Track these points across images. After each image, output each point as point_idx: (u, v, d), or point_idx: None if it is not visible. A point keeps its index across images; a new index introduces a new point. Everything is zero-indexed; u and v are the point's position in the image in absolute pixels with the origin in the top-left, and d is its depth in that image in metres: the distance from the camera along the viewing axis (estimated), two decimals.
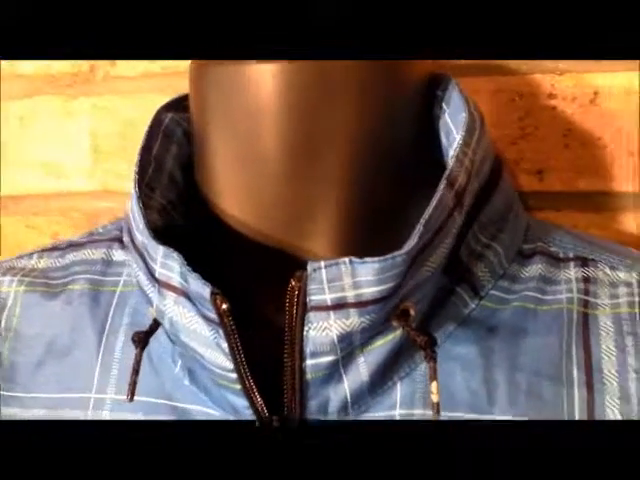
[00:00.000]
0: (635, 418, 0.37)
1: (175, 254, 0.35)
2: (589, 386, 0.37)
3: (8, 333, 0.43)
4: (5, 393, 0.42)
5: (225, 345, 0.35)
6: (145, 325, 0.39)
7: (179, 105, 0.45)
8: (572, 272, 0.41)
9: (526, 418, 0.37)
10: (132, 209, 0.39)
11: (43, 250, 0.47)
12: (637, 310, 0.39)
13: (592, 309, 0.39)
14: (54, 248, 0.47)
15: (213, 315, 0.34)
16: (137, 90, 0.58)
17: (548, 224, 0.44)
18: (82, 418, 0.40)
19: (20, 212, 0.60)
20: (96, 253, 0.45)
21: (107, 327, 0.42)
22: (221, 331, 0.35)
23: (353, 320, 0.34)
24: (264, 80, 0.38)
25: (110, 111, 0.58)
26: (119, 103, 0.58)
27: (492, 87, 0.51)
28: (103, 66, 0.58)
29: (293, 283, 0.34)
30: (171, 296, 0.36)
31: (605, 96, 0.50)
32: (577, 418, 0.37)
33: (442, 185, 0.36)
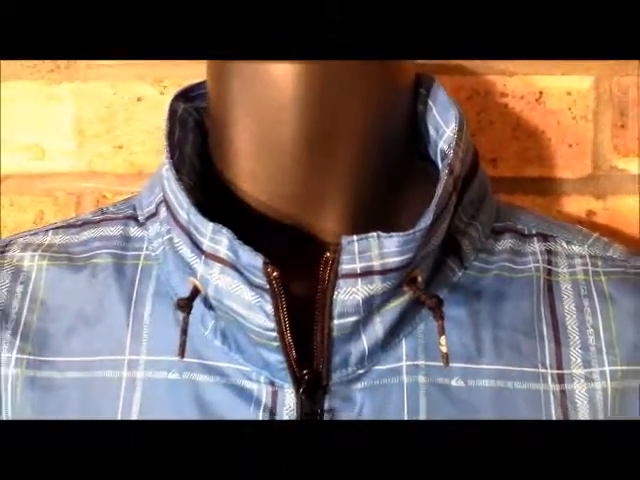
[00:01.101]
0: (594, 366, 0.45)
1: (224, 229, 0.40)
2: (556, 340, 0.45)
3: (35, 304, 0.47)
4: (37, 358, 0.46)
5: (269, 307, 0.40)
6: (174, 294, 0.44)
7: (187, 95, 0.50)
8: (536, 246, 0.48)
9: (509, 367, 0.44)
10: (171, 190, 0.43)
11: (57, 227, 0.50)
12: (590, 277, 0.47)
13: (555, 277, 0.47)
14: (69, 225, 0.50)
15: (261, 282, 0.40)
16: (118, 76, 0.62)
17: (512, 206, 0.52)
18: (117, 378, 0.45)
19: (5, 192, 0.62)
20: (113, 230, 0.49)
21: (134, 297, 0.46)
22: (266, 295, 0.40)
23: (376, 285, 0.41)
24: (287, 79, 0.43)
25: (93, 96, 0.62)
26: (101, 88, 0.62)
27: (454, 85, 0.58)
28: None
29: (328, 254, 0.40)
30: (217, 266, 0.41)
31: (549, 96, 0.59)
32: (548, 365, 0.44)
33: (445, 171, 0.42)
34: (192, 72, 0.59)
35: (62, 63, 0.61)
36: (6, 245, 0.49)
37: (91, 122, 0.62)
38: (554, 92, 0.58)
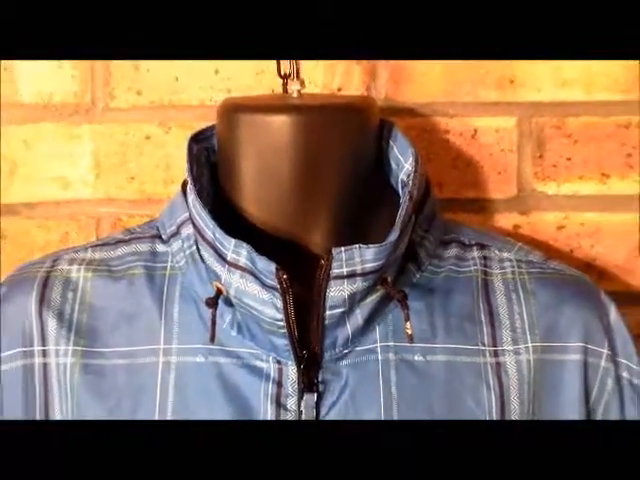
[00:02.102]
0: (520, 343, 0.59)
1: (244, 244, 0.53)
2: (492, 324, 0.59)
3: (84, 306, 0.59)
4: (89, 349, 0.58)
5: (279, 303, 0.53)
6: (203, 296, 0.57)
7: (198, 138, 0.63)
8: (475, 253, 0.62)
9: (457, 346, 0.58)
10: (197, 214, 0.56)
11: (95, 245, 0.63)
12: (516, 276, 0.61)
13: (489, 276, 0.61)
14: (104, 244, 0.63)
15: (274, 283, 0.53)
16: (129, 119, 0.74)
17: (455, 222, 0.66)
18: (155, 363, 0.57)
19: (33, 216, 0.74)
20: (143, 247, 0.62)
21: (164, 299, 0.59)
22: (277, 294, 0.53)
23: (358, 285, 0.54)
24: (283, 127, 0.57)
25: (108, 135, 0.74)
26: (115, 129, 0.74)
27: (406, 125, 0.72)
28: (103, 99, 0.74)
29: (323, 262, 0.54)
30: (238, 272, 0.54)
31: (482, 133, 0.73)
32: (486, 344, 0.58)
33: (406, 197, 0.56)
34: (192, 115, 0.73)
35: (82, 108, 0.74)
36: (54, 261, 0.62)
37: (107, 157, 0.74)
38: (486, 130, 0.73)
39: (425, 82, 0.73)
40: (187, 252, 0.59)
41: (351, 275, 0.54)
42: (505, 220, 0.74)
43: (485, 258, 0.62)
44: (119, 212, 0.74)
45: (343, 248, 0.54)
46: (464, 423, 0.57)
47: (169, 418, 0.56)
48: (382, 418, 0.55)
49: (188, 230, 0.59)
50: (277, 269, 0.53)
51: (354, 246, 0.54)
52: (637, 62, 0.72)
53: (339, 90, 0.73)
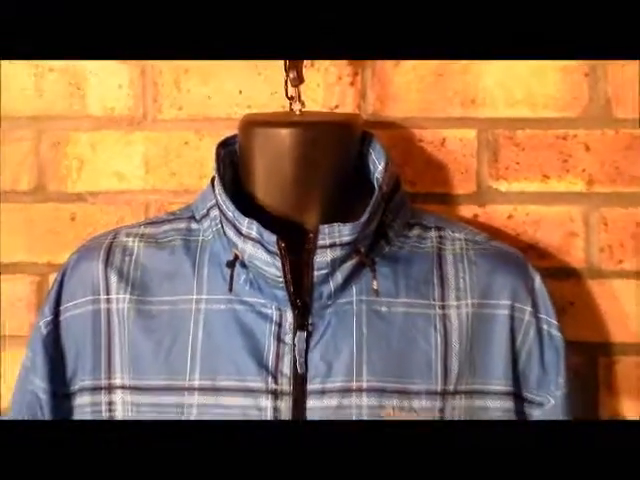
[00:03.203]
0: (462, 300, 0.77)
1: (255, 222, 0.73)
2: (442, 286, 0.78)
3: (137, 267, 0.79)
4: (141, 298, 0.78)
5: (279, 264, 0.73)
6: (225, 260, 0.77)
7: (225, 144, 0.83)
8: (433, 234, 0.81)
9: (414, 300, 0.77)
10: (223, 201, 0.76)
11: (145, 223, 0.83)
12: (464, 251, 0.80)
13: (443, 251, 0.80)
14: (152, 223, 0.83)
15: (275, 250, 0.72)
16: (172, 128, 0.95)
17: (422, 210, 0.85)
18: (189, 309, 0.77)
19: (97, 202, 0.95)
20: (181, 225, 0.82)
21: (197, 263, 0.79)
22: (277, 257, 0.73)
23: (337, 252, 0.73)
24: (285, 138, 0.77)
25: (155, 141, 0.95)
26: (161, 136, 0.95)
27: (387, 136, 0.91)
28: (152, 112, 0.94)
29: (311, 235, 0.73)
30: (250, 242, 0.73)
31: (449, 142, 0.92)
32: (436, 299, 0.77)
33: (378, 191, 0.76)
34: (220, 126, 0.93)
35: (135, 119, 0.94)
36: (115, 234, 0.82)
37: (154, 157, 0.95)
38: (452, 139, 0.92)
39: (404, 101, 0.93)
40: (214, 229, 0.79)
41: (332, 245, 0.73)
42: (466, 211, 0.93)
43: (441, 237, 0.82)
44: (163, 199, 0.94)
45: (327, 225, 0.73)
46: (452, 423, 0.75)
47: (199, 349, 0.76)
48: (354, 350, 0.75)
49: (215, 212, 0.79)
50: (278, 240, 0.72)
51: (335, 224, 0.73)
52: (573, 83, 0.91)
53: (336, 107, 0.93)
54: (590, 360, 0.92)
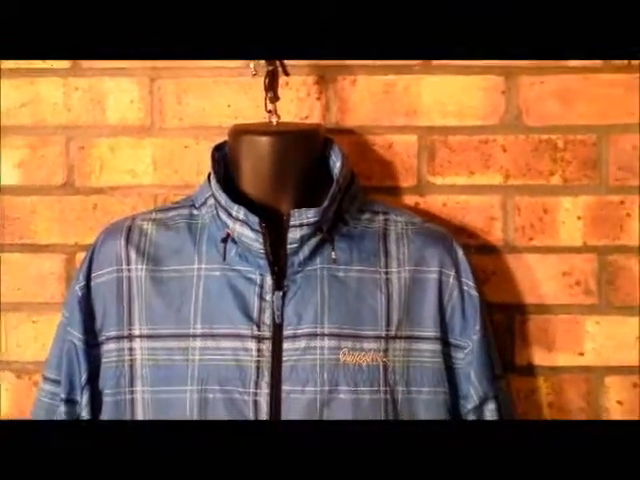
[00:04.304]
0: (401, 266, 1.01)
1: (242, 207, 0.96)
2: (386, 257, 1.01)
3: (151, 243, 1.02)
4: (154, 267, 1.01)
5: (261, 240, 0.96)
6: (219, 237, 0.99)
7: (218, 148, 1.05)
8: (381, 217, 1.05)
9: (364, 267, 1.00)
10: (218, 193, 0.98)
11: (156, 210, 1.06)
12: (403, 231, 1.03)
13: (387, 231, 1.03)
14: (161, 210, 1.06)
15: (258, 229, 0.95)
16: (175, 135, 1.18)
17: (373, 199, 1.08)
18: (191, 275, 1.00)
19: (114, 195, 1.18)
20: (184, 211, 1.05)
21: (197, 240, 1.01)
22: (260, 235, 0.96)
23: (305, 231, 0.96)
24: (266, 142, 1.00)
25: (161, 146, 1.18)
26: (166, 142, 1.18)
27: (347, 140, 1.15)
28: (158, 122, 1.17)
29: (285, 218, 0.96)
30: (239, 223, 0.96)
31: (396, 145, 1.16)
32: (382, 267, 1.01)
33: (335, 184, 0.99)
34: (214, 134, 1.15)
35: (145, 127, 1.17)
36: (132, 219, 1.05)
37: (161, 158, 1.18)
38: (399, 143, 1.16)
39: (359, 113, 1.16)
40: (210, 214, 1.02)
41: (301, 225, 0.97)
42: (409, 200, 1.17)
43: (386, 220, 1.05)
44: (168, 192, 1.17)
45: (297, 210, 0.96)
46: (438, 423, 0.94)
47: (200, 305, 0.98)
48: (318, 305, 0.98)
49: (211, 201, 1.02)
50: (260, 221, 0.95)
51: (303, 209, 0.96)
52: (493, 98, 1.15)
53: (306, 117, 1.16)
54: (508, 318, 1.15)
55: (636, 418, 1.13)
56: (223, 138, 1.05)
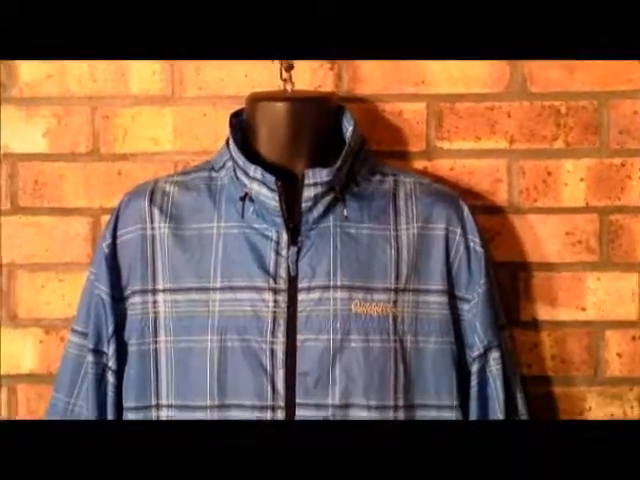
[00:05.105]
0: (410, 224, 1.06)
1: (259, 167, 1.02)
2: (395, 215, 1.07)
3: (173, 204, 1.08)
4: (176, 225, 1.06)
5: (277, 198, 1.01)
6: (237, 197, 1.05)
7: (236, 114, 1.11)
8: (390, 178, 1.10)
9: (375, 225, 1.06)
10: (236, 155, 1.04)
11: (178, 174, 1.12)
12: (412, 190, 1.09)
13: (397, 191, 1.09)
14: (183, 173, 1.12)
15: (274, 187, 1.01)
16: (194, 103, 1.24)
17: (383, 162, 1.14)
18: (211, 233, 1.06)
19: (137, 161, 1.24)
20: (204, 174, 1.10)
21: (216, 200, 1.07)
22: (276, 193, 1.01)
23: (319, 189, 1.02)
24: (281, 108, 1.05)
25: (182, 114, 1.24)
26: (186, 110, 1.24)
27: (359, 108, 1.20)
28: (179, 91, 1.23)
29: (300, 177, 1.02)
30: (256, 182, 1.02)
31: (406, 113, 1.21)
32: (391, 224, 1.07)
33: (348, 146, 1.05)
34: (232, 102, 1.21)
35: (166, 97, 1.23)
36: (155, 182, 1.11)
37: (181, 126, 1.24)
38: (408, 110, 1.21)
39: (371, 82, 1.22)
40: (228, 176, 1.08)
41: (315, 184, 1.02)
42: (418, 164, 1.22)
43: (396, 181, 1.10)
44: (187, 158, 1.23)
45: (311, 169, 1.02)
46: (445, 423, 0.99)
47: (220, 260, 1.04)
48: (331, 259, 1.03)
49: (229, 164, 1.08)
50: (275, 180, 1.01)
51: (317, 169, 1.02)
52: (498, 67, 1.20)
53: (319, 87, 1.22)
54: (513, 276, 1.21)
55: (635, 370, 1.19)
56: (240, 106, 1.11)
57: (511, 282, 1.21)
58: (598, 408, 1.20)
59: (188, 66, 1.23)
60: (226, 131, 1.08)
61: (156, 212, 1.08)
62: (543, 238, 1.21)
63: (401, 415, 1.01)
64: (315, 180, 1.02)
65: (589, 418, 1.19)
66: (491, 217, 1.21)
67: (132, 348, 1.06)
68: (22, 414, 1.23)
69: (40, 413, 1.19)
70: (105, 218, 1.20)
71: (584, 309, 1.20)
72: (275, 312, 1.02)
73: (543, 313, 1.21)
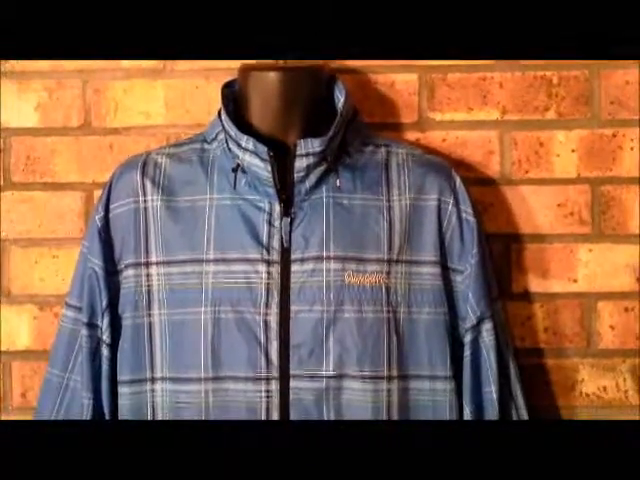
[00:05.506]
0: (402, 195, 1.07)
1: (251, 138, 1.02)
2: (388, 186, 1.07)
3: (165, 176, 1.08)
4: (168, 197, 1.06)
5: (269, 169, 1.01)
6: (230, 168, 1.05)
7: (228, 85, 1.11)
8: (382, 149, 1.10)
9: (367, 196, 1.06)
10: (228, 125, 1.04)
11: (170, 146, 1.12)
12: (404, 160, 1.09)
13: (389, 162, 1.09)
14: (175, 144, 1.12)
15: (266, 158, 1.01)
16: (186, 76, 1.23)
17: (375, 133, 1.14)
18: (204, 205, 1.06)
19: (129, 135, 1.23)
20: (196, 145, 1.10)
21: (209, 172, 1.07)
22: (268, 164, 1.01)
23: (311, 159, 1.02)
24: (273, 77, 1.05)
25: (172, 86, 1.23)
26: (177, 82, 1.23)
27: (351, 78, 1.20)
28: (170, 65, 1.22)
29: (292, 147, 1.02)
30: (248, 153, 1.02)
31: (399, 84, 1.21)
32: (383, 195, 1.07)
33: (339, 115, 1.04)
34: (223, 73, 1.20)
35: (157, 70, 1.22)
36: (147, 154, 1.11)
37: (173, 99, 1.23)
38: (400, 82, 1.21)
39: None
40: (221, 148, 1.08)
41: (307, 154, 1.02)
42: (411, 135, 1.22)
43: (388, 152, 1.10)
44: (179, 132, 1.23)
45: (303, 140, 1.02)
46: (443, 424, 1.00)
47: (212, 232, 1.04)
48: (324, 230, 1.03)
49: (221, 136, 1.08)
50: (268, 150, 1.01)
51: (309, 139, 1.02)
52: None
53: None
54: (505, 247, 1.21)
55: (627, 341, 1.19)
56: (232, 77, 1.11)
57: (503, 254, 1.21)
58: (591, 380, 1.20)
59: None
60: (218, 104, 1.08)
61: (148, 185, 1.07)
62: (535, 209, 1.21)
63: (394, 385, 1.01)
64: (307, 150, 1.02)
65: (582, 390, 1.20)
66: (483, 189, 1.21)
67: (126, 322, 1.06)
68: (17, 391, 1.23)
69: (35, 389, 1.20)
70: (98, 192, 1.19)
71: (576, 281, 1.20)
72: (268, 284, 1.02)
73: (535, 285, 1.21)
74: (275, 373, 1.00)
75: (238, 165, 1.04)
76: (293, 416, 1.00)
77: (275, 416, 1.00)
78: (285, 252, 1.03)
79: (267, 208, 1.04)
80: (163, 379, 1.03)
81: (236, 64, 1.15)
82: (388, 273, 1.04)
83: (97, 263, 1.07)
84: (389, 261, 1.04)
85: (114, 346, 1.06)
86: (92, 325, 1.07)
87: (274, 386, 1.00)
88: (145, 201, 1.07)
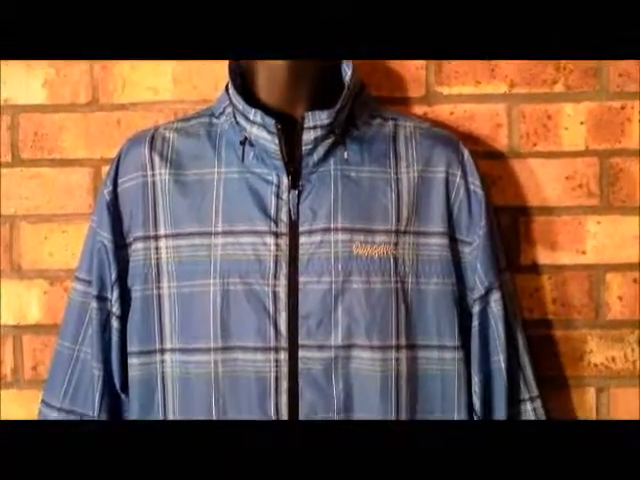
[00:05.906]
0: (410, 167, 1.07)
1: (259, 111, 1.02)
2: (395, 158, 1.07)
3: (173, 150, 1.08)
4: (177, 171, 1.07)
5: (276, 141, 1.02)
6: (238, 141, 1.05)
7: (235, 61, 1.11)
8: (390, 122, 1.10)
9: (375, 168, 1.06)
10: (236, 99, 1.04)
11: (178, 120, 1.12)
12: (411, 133, 1.09)
13: (397, 134, 1.09)
14: (183, 119, 1.12)
15: (274, 130, 1.01)
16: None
17: (383, 106, 1.14)
18: (212, 178, 1.06)
19: (137, 110, 1.24)
20: (204, 119, 1.11)
21: (217, 146, 1.08)
22: (275, 136, 1.01)
23: (319, 132, 1.02)
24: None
25: (183, 63, 1.23)
26: (184, 61, 1.23)
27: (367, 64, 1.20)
28: None
29: (300, 120, 1.02)
30: (256, 126, 1.02)
31: (406, 64, 1.21)
32: (391, 167, 1.07)
33: (347, 88, 1.04)
34: None
35: None
36: (155, 129, 1.11)
37: (180, 75, 1.24)
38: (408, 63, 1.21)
39: None
40: (229, 122, 1.08)
41: (315, 127, 1.02)
42: (419, 109, 1.22)
43: (396, 125, 1.10)
44: (187, 107, 1.23)
45: (311, 112, 1.02)
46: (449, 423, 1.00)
47: (221, 205, 1.05)
48: (332, 202, 1.04)
49: (229, 110, 1.08)
50: (275, 123, 1.01)
51: (316, 112, 1.02)
52: None
53: None
54: (513, 220, 1.21)
55: (635, 312, 1.19)
56: None
57: (512, 226, 1.21)
58: (599, 351, 1.21)
59: None
60: (226, 80, 1.08)
61: (156, 158, 1.08)
62: (543, 182, 1.21)
63: (403, 355, 1.02)
64: (315, 123, 1.02)
65: (590, 360, 1.21)
66: (491, 162, 1.21)
67: (136, 294, 1.07)
68: (28, 364, 1.24)
69: (46, 363, 1.21)
70: (106, 168, 1.19)
71: (584, 252, 1.21)
72: (277, 255, 1.03)
73: (544, 257, 1.21)
74: (284, 343, 1.01)
75: (246, 138, 1.05)
76: (302, 385, 1.00)
77: (284, 385, 1.00)
78: (293, 224, 1.03)
79: (275, 181, 1.05)
80: (172, 350, 1.04)
81: None
82: (396, 244, 1.04)
83: (106, 237, 1.08)
84: (397, 232, 1.04)
85: (124, 318, 1.07)
86: (102, 298, 1.08)
87: (283, 356, 1.01)
88: (153, 175, 1.08)
